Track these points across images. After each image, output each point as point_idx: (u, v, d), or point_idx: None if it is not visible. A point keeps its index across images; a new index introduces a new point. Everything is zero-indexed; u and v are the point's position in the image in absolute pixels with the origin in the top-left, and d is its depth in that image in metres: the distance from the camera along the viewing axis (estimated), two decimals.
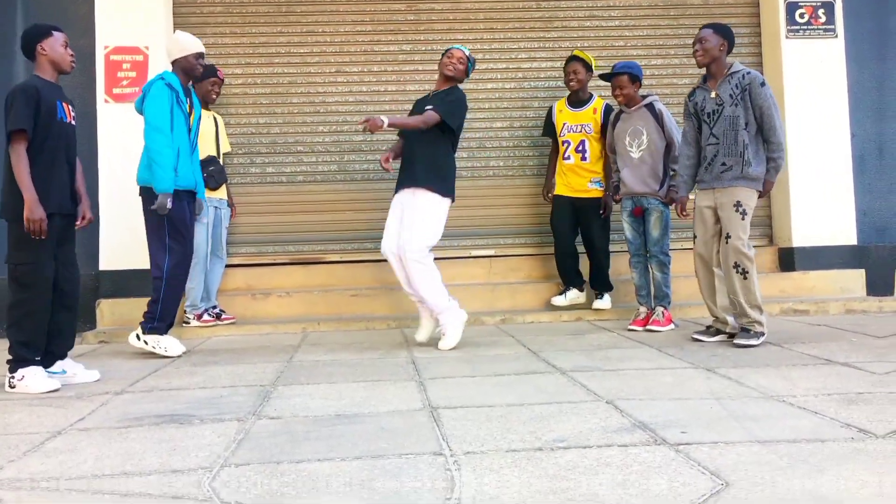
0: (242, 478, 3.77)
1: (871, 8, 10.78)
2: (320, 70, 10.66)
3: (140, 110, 7.75)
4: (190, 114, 7.84)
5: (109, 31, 9.69)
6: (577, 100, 9.60)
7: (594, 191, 9.39)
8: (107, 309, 9.45)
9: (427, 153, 7.77)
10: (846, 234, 10.49)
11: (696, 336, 7.61)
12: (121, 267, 9.48)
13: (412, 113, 8.08)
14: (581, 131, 9.45)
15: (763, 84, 7.26)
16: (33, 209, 6.00)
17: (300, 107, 10.62)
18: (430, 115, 7.63)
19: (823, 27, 10.53)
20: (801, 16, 10.51)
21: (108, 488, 3.72)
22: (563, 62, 9.75)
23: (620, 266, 9.22)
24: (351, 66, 10.69)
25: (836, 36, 10.58)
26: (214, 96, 9.33)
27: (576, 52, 9.57)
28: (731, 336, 7.41)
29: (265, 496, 3.53)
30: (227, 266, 9.68)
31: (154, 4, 9.88)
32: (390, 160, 7.86)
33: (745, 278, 7.21)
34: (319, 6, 10.66)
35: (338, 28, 10.69)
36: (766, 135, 7.27)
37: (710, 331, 7.62)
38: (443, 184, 7.76)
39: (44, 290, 6.19)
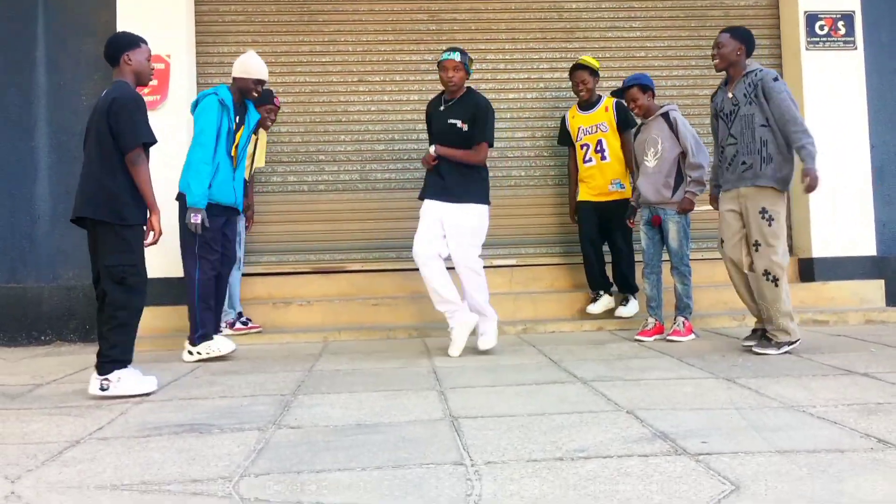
0: (262, 487, 3.79)
1: (891, 19, 10.78)
2: (342, 79, 10.68)
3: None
4: (237, 131, 7.96)
5: None
6: (588, 103, 9.66)
7: (616, 193, 9.42)
8: None
9: (468, 171, 7.94)
10: (865, 244, 10.47)
11: (745, 343, 7.55)
12: None
13: (431, 122, 8.19)
14: (597, 131, 9.50)
15: (776, 79, 7.22)
16: (160, 221, 6.38)
17: (322, 115, 10.64)
18: (483, 150, 7.91)
19: (843, 39, 10.52)
20: (821, 28, 10.50)
21: (128, 497, 3.74)
22: (568, 71, 9.83)
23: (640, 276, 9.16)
24: (373, 75, 10.71)
25: (856, 48, 10.57)
26: (269, 123, 9.34)
27: (580, 60, 9.62)
28: None
29: None
30: (249, 275, 9.70)
31: (176, 13, 9.94)
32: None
33: (776, 286, 7.17)
34: (342, 15, 10.69)
35: (360, 37, 10.71)
36: (786, 127, 7.15)
37: (758, 334, 7.53)
38: (483, 193, 8.02)
39: (145, 290, 6.38)
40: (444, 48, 8.22)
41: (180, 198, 7.87)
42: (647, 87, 8.44)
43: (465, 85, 8.04)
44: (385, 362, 7.50)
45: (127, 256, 6.20)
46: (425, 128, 8.44)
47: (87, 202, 6.22)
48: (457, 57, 7.89)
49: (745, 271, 7.47)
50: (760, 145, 7.24)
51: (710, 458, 4.02)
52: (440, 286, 7.75)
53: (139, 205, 6.24)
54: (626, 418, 4.96)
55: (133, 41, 6.58)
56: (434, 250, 7.75)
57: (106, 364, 6.15)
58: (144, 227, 6.33)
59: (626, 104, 8.65)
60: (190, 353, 7.89)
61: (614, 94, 8.80)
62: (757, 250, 7.23)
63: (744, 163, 7.32)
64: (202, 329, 7.85)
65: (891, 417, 4.80)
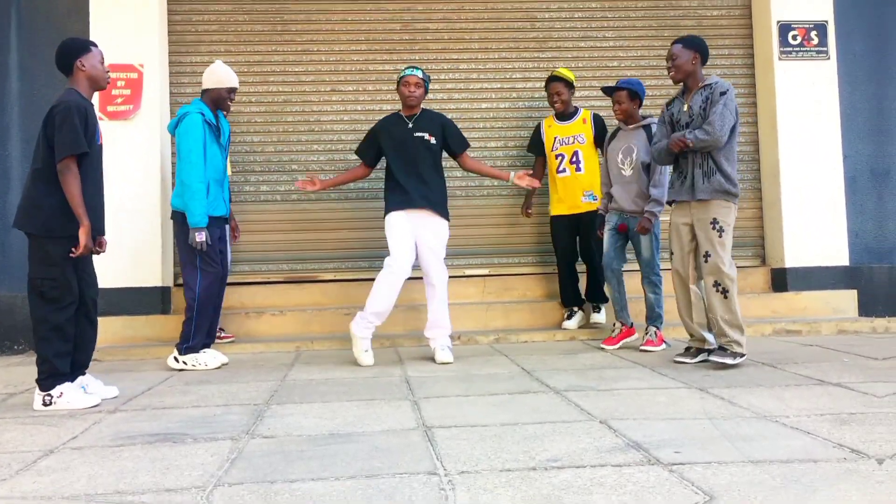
0: (236, 497, 3.77)
1: (864, 29, 10.81)
2: (315, 89, 10.67)
3: (172, 133, 8.07)
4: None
5: (104, 49, 9.51)
6: (565, 114, 9.68)
7: (588, 204, 9.43)
8: (99, 327, 9.38)
9: (440, 182, 8.24)
10: (838, 254, 10.51)
11: (677, 359, 7.54)
12: (113, 285, 9.42)
13: (383, 139, 8.31)
14: (574, 143, 9.53)
15: (724, 93, 7.18)
16: (88, 235, 6.12)
17: (295, 125, 10.63)
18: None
19: (816, 49, 10.57)
20: (794, 38, 10.54)
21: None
22: (544, 83, 9.86)
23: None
24: (346, 84, 10.70)
25: (829, 58, 10.61)
26: None
27: (555, 73, 9.65)
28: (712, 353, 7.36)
29: None
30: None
31: (149, 22, 9.89)
32: (316, 183, 8.41)
33: (726, 297, 7.14)
34: (315, 24, 10.69)
35: (333, 47, 10.71)
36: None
37: (691, 351, 7.54)
38: (447, 207, 8.31)
39: (69, 304, 6.22)
40: (407, 64, 8.35)
41: (174, 216, 7.96)
42: (636, 95, 8.50)
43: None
44: (358, 372, 7.51)
45: (47, 269, 6.16)
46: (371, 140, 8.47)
47: (20, 212, 6.28)
48: (419, 74, 8.17)
49: (691, 285, 7.50)
50: (702, 159, 7.24)
51: (684, 468, 4.03)
52: (393, 301, 7.95)
53: (72, 217, 6.13)
54: (599, 428, 4.97)
55: (84, 46, 6.56)
56: (410, 265, 7.95)
57: (45, 380, 6.14)
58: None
59: (612, 104, 8.63)
60: (176, 359, 7.94)
61: (604, 90, 8.78)
62: (706, 261, 7.22)
63: (693, 175, 7.32)
64: (193, 340, 7.91)
65: (864, 427, 4.82)
